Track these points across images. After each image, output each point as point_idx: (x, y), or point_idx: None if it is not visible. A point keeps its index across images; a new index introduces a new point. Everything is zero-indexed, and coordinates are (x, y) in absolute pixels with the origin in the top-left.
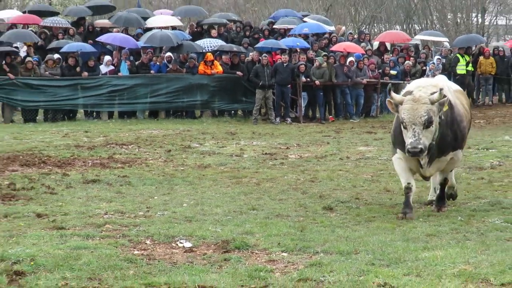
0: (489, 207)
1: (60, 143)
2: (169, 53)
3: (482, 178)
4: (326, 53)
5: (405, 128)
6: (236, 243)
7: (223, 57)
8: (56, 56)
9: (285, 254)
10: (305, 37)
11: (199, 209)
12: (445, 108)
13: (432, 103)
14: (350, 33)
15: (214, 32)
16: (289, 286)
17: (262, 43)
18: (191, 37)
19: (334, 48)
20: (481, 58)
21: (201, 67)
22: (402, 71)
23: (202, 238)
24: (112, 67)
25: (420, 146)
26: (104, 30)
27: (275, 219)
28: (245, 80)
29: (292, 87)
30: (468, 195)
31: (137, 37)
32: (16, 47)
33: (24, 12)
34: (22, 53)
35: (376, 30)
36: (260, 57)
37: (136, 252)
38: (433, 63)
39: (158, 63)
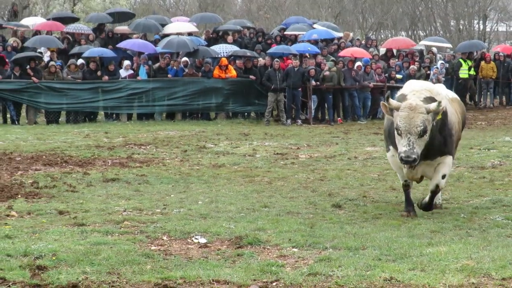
0: (490, 205)
1: (81, 143)
2: (185, 58)
3: (483, 177)
4: (334, 59)
5: (399, 135)
6: (249, 239)
7: (237, 61)
8: (80, 61)
9: (295, 250)
10: (315, 42)
11: (213, 206)
12: (439, 117)
13: (428, 112)
14: (358, 39)
15: (229, 38)
16: (299, 280)
17: (274, 49)
18: (206, 43)
19: (342, 53)
20: (482, 63)
21: (216, 71)
22: (407, 75)
23: (216, 234)
24: (131, 71)
25: (413, 156)
26: (124, 36)
27: (286, 216)
28: (258, 84)
29: (303, 90)
30: (470, 193)
31: (155, 42)
32: (40, 52)
33: (48, 19)
34: (46, 58)
35: (382, 36)
36: (272, 62)
37: (153, 247)
38: (437, 67)
39: (175, 68)
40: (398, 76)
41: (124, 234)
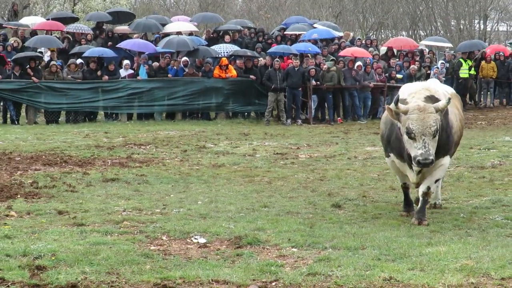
0: (490, 205)
1: (81, 143)
2: (185, 58)
3: (483, 177)
4: (334, 58)
5: (412, 138)
6: (248, 239)
7: (237, 61)
8: (79, 61)
9: (295, 250)
10: (315, 42)
11: (213, 206)
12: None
13: (437, 111)
14: (359, 39)
15: (226, 38)
16: (298, 280)
17: (274, 48)
18: (207, 43)
19: (342, 53)
20: (483, 62)
21: (216, 71)
22: (408, 75)
23: (216, 234)
24: (131, 71)
25: (431, 158)
26: (124, 36)
27: (285, 216)
28: (258, 84)
29: (303, 90)
30: (470, 193)
31: (155, 42)
32: (41, 52)
33: (47, 19)
34: (46, 58)
35: (383, 36)
36: (272, 62)
37: (152, 247)
38: (437, 67)
39: (175, 67)
40: (399, 76)
41: (124, 234)
